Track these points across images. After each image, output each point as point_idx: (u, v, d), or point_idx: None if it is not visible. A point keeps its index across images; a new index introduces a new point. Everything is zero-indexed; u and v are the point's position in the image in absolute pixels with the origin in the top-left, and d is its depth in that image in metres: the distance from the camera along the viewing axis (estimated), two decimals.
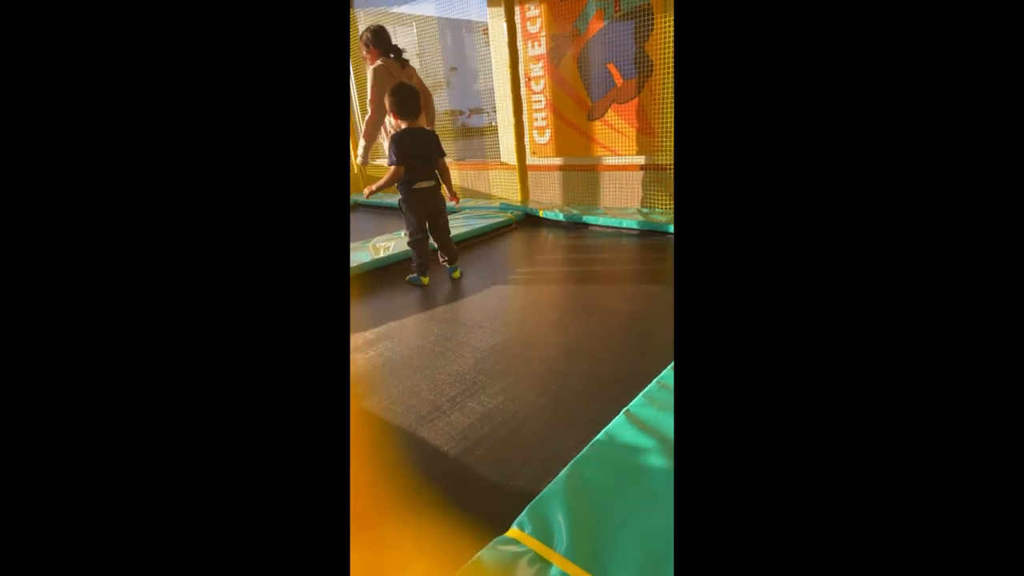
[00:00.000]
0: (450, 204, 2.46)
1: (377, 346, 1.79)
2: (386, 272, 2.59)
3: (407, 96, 2.14)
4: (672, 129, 2.99)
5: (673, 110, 2.94)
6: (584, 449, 1.04)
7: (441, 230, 2.38)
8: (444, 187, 2.37)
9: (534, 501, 0.91)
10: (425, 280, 2.38)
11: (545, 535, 0.84)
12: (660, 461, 0.99)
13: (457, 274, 2.44)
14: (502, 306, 2.10)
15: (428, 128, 2.34)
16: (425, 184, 2.25)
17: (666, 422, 1.10)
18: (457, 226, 3.20)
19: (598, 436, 1.08)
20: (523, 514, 0.89)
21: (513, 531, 0.86)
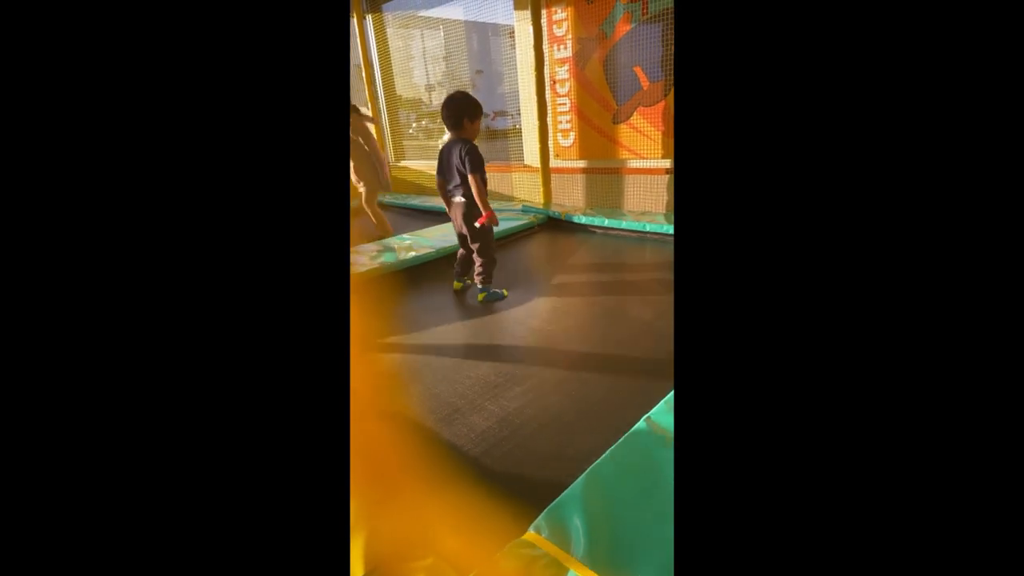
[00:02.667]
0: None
1: (399, 348, 1.82)
2: (408, 274, 2.62)
3: (445, 107, 2.08)
4: None
5: None
6: (604, 454, 1.03)
7: (470, 250, 2.25)
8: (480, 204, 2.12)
9: (552, 505, 0.91)
10: (456, 285, 2.39)
11: (562, 540, 0.84)
12: None
13: (481, 297, 2.23)
14: (523, 309, 2.10)
15: (464, 139, 2.14)
16: (455, 199, 2.15)
17: None
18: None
19: (618, 442, 1.07)
20: (540, 518, 0.89)
21: (530, 534, 0.86)
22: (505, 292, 2.26)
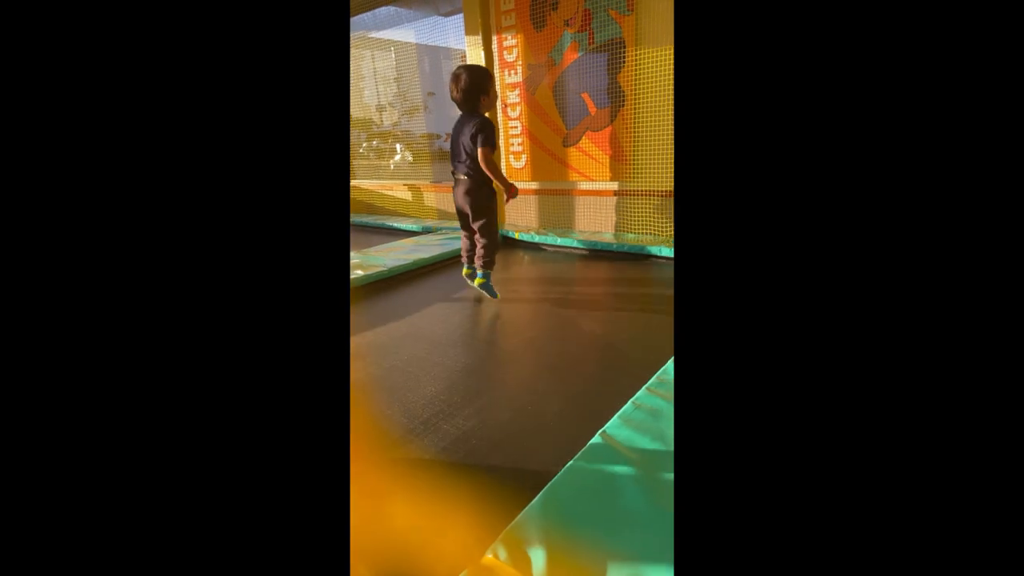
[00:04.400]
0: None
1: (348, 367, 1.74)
2: (359, 293, 2.54)
3: (456, 86, 1.89)
4: (643, 157, 3.09)
5: (645, 139, 3.04)
6: (560, 472, 1.02)
7: (471, 231, 2.11)
8: (496, 183, 1.99)
9: (509, 527, 0.89)
10: (465, 271, 2.28)
11: (520, 562, 0.82)
12: (637, 483, 0.98)
13: (479, 282, 2.15)
14: (476, 326, 2.08)
15: (478, 114, 1.93)
16: (459, 175, 2.00)
17: (642, 443, 1.10)
18: (433, 247, 3.19)
19: (574, 459, 1.06)
20: (497, 541, 0.86)
21: (487, 559, 0.83)
22: (498, 294, 2.18)
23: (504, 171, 3.74)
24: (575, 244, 3.17)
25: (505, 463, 1.19)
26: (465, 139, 1.93)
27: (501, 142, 3.65)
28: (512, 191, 1.99)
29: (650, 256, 2.90)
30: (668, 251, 2.80)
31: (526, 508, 0.93)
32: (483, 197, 2.01)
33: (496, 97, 2.00)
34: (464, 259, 2.27)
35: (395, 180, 4.71)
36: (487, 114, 2.02)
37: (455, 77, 1.90)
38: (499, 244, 2.11)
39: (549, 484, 0.99)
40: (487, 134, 1.89)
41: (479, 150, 1.89)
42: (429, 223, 4.02)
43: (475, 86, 1.89)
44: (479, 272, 2.13)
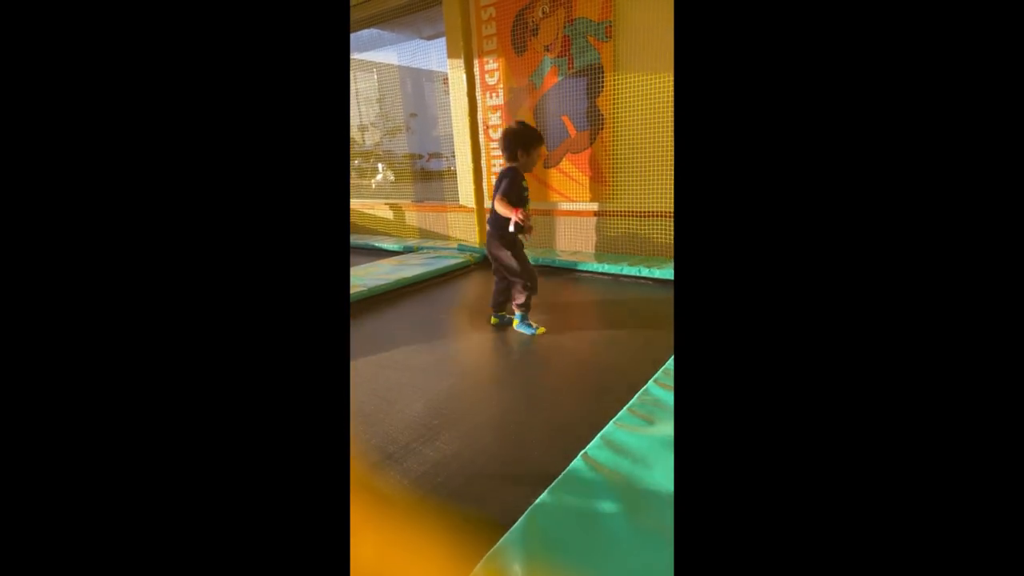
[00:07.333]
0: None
1: None
2: None
3: (501, 137, 2.05)
4: (623, 179, 3.15)
5: (624, 161, 3.11)
6: (541, 495, 1.02)
7: (502, 279, 2.18)
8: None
9: (490, 552, 0.88)
10: (492, 320, 2.28)
11: None
12: (618, 504, 0.98)
13: (493, 320, 2.23)
14: (457, 349, 2.07)
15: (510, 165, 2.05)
16: (487, 224, 2.14)
17: (624, 464, 1.10)
18: (416, 266, 3.18)
19: (555, 481, 1.06)
20: (479, 566, 0.85)
21: None
22: (541, 330, 2.13)
23: (485, 192, 3.77)
24: (556, 264, 3.20)
25: (487, 487, 1.18)
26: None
27: (483, 164, 3.68)
28: (520, 219, 1.91)
29: (627, 277, 2.95)
30: (647, 271, 2.84)
31: (507, 533, 0.92)
32: (496, 246, 2.09)
33: (538, 159, 2.08)
34: (492, 305, 2.27)
35: (376, 199, 4.71)
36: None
37: (504, 130, 2.03)
38: (529, 286, 2.12)
39: (531, 507, 0.98)
40: (501, 181, 2.00)
41: (496, 198, 1.99)
42: (410, 242, 4.02)
43: (515, 142, 2.00)
44: (516, 314, 2.17)
